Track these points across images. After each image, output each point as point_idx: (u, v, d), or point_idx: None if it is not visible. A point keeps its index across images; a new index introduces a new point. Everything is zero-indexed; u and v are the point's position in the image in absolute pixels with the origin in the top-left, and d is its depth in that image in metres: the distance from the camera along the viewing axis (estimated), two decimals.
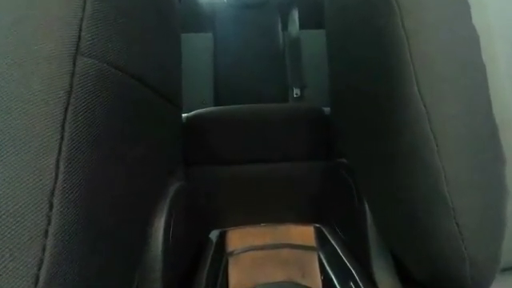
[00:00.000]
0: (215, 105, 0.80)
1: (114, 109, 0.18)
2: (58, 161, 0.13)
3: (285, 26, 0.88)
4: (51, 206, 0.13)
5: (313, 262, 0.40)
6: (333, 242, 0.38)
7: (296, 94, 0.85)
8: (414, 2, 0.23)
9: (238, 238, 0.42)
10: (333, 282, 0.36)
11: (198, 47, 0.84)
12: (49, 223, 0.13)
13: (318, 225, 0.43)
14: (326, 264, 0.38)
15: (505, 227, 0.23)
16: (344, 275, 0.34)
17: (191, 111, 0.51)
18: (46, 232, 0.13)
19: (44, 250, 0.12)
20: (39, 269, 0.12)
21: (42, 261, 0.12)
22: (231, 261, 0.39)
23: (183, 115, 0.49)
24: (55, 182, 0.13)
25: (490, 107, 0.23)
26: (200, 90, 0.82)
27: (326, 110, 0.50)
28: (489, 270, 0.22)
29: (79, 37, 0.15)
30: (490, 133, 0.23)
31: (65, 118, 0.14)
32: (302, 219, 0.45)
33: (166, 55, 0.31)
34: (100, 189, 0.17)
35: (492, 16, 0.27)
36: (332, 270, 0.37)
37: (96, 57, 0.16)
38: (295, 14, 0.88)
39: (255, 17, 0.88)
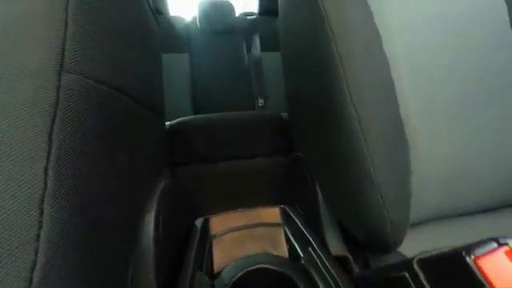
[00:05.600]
0: (194, 114, 0.78)
1: (101, 119, 0.17)
2: (46, 169, 0.12)
3: (249, 49, 0.89)
4: (42, 212, 0.11)
5: (280, 235, 0.41)
6: (295, 218, 0.40)
7: (260, 104, 0.86)
8: (344, 33, 0.24)
9: (220, 223, 0.41)
10: (296, 249, 0.37)
11: (176, 66, 0.82)
12: (40, 227, 0.11)
13: (282, 206, 0.44)
14: (290, 236, 0.40)
15: (410, 196, 0.26)
16: (304, 243, 0.35)
17: (174, 120, 0.49)
18: (38, 236, 0.11)
19: (37, 252, 0.11)
20: (32, 271, 0.10)
21: (35, 263, 0.11)
22: (215, 242, 0.38)
23: (167, 123, 0.47)
24: (45, 189, 0.12)
25: (398, 109, 0.26)
26: (180, 101, 0.79)
27: (285, 115, 0.51)
28: (403, 228, 0.24)
29: (63, 55, 0.14)
30: (398, 128, 0.26)
31: (52, 130, 0.12)
32: (270, 203, 0.46)
33: (149, 71, 0.29)
34: (91, 192, 0.15)
35: (396, 43, 0.30)
36: (295, 240, 0.38)
37: (80, 73, 0.15)
38: (257, 39, 0.89)
39: (225, 41, 0.87)
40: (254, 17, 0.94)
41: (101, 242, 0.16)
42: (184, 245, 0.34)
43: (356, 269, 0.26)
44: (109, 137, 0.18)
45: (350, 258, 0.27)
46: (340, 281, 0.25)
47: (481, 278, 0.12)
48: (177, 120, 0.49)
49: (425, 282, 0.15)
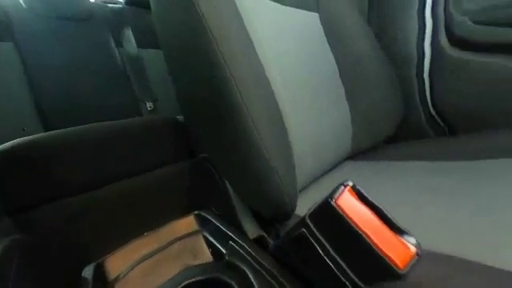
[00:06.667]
0: (45, 130, 0.55)
1: None
2: None
3: (118, 43, 0.74)
4: None
5: (200, 242, 0.39)
6: (211, 219, 0.39)
7: (150, 107, 0.76)
8: (223, 34, 0.26)
9: (121, 260, 0.33)
10: (218, 248, 0.37)
11: None
12: None
13: (196, 212, 0.42)
14: (210, 238, 0.39)
15: (295, 168, 0.32)
16: (224, 239, 0.35)
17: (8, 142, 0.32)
18: None
19: None
20: None
21: None
22: (118, 286, 0.31)
23: None
24: None
25: (276, 102, 0.32)
26: (16, 114, 0.53)
27: (180, 117, 0.48)
28: (295, 195, 0.31)
29: None
30: (278, 116, 0.32)
31: None
32: (183, 213, 0.43)
33: None
34: None
35: (266, 49, 0.36)
36: (216, 239, 0.38)
37: None
38: (129, 34, 0.76)
39: (79, 30, 0.67)
40: (119, 6, 0.79)
41: None
42: None
43: (271, 242, 0.29)
44: None
45: (265, 235, 0.30)
46: (262, 259, 0.27)
47: (341, 214, 0.17)
48: (10, 143, 0.33)
49: (317, 232, 0.20)
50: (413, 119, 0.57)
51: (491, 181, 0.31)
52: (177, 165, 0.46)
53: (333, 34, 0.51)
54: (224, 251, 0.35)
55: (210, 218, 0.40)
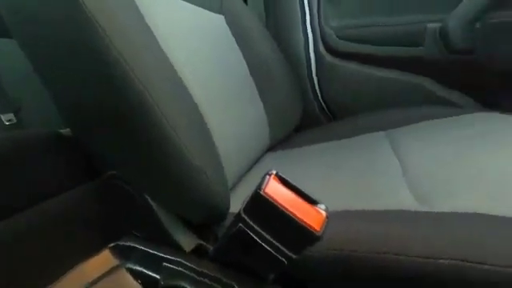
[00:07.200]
0: None
1: None
2: None
3: None
4: None
5: (123, 277, 0.32)
6: (135, 246, 0.33)
7: (9, 121, 0.53)
8: (118, 30, 0.23)
9: None
10: (150, 276, 0.32)
11: None
12: None
13: (112, 244, 0.34)
14: (137, 268, 0.33)
15: (223, 167, 0.33)
16: (156, 263, 0.31)
17: None
18: None
19: None
20: None
21: None
22: None
23: None
24: None
25: (192, 100, 0.31)
26: None
27: (66, 131, 0.37)
28: (228, 194, 0.31)
29: None
30: (198, 117, 0.31)
31: None
32: (94, 250, 0.34)
33: None
34: None
35: (174, 47, 0.34)
36: (145, 267, 0.33)
37: None
38: None
39: None
40: None
41: None
42: None
43: (211, 248, 0.29)
44: None
45: (203, 242, 0.29)
46: (203, 268, 0.26)
47: (271, 201, 0.19)
48: None
49: (253, 224, 0.21)
50: (310, 110, 0.70)
51: (360, 151, 0.44)
52: (74, 191, 0.36)
53: (239, 36, 0.54)
54: (158, 277, 0.31)
55: (132, 245, 0.34)
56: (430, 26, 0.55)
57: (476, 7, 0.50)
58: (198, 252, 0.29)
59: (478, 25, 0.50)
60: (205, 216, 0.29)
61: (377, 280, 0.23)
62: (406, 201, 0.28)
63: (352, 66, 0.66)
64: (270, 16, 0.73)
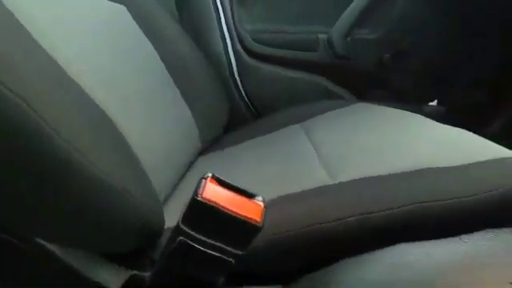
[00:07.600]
0: None
1: None
2: None
3: None
4: None
5: None
6: None
7: None
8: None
9: None
10: None
11: None
12: None
13: None
14: None
15: (151, 181, 0.29)
16: None
17: None
18: None
19: None
20: None
21: None
22: None
23: None
24: None
25: (93, 103, 0.26)
26: None
27: None
28: (160, 208, 0.28)
29: None
30: (106, 123, 0.26)
31: None
32: None
33: None
34: None
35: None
36: None
37: None
38: None
39: None
40: None
41: None
42: None
43: (147, 274, 0.25)
44: None
45: (136, 272, 0.25)
46: None
47: (211, 204, 0.19)
48: None
49: (194, 233, 0.20)
50: (237, 110, 0.73)
51: (282, 143, 0.51)
52: None
53: (152, 33, 0.49)
54: None
55: None
56: (321, 36, 0.70)
57: (346, 25, 0.68)
58: (132, 283, 0.25)
59: (348, 39, 0.68)
60: (139, 240, 0.25)
61: (312, 251, 0.27)
62: (321, 178, 0.35)
63: (268, 67, 0.73)
64: (184, 14, 0.70)
